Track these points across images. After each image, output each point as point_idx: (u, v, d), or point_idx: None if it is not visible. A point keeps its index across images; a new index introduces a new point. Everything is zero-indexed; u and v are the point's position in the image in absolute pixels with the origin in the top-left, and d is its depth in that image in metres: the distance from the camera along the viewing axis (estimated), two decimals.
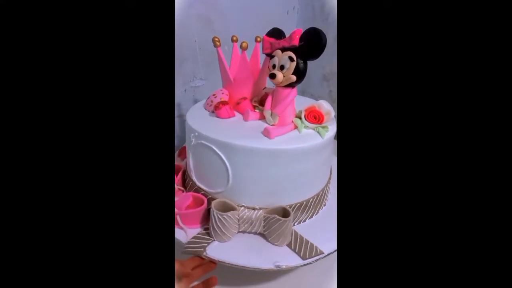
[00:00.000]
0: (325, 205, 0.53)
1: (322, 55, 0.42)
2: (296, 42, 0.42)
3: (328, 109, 0.48)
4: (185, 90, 0.77)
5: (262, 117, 0.49)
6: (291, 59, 0.43)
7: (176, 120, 0.78)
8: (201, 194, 0.48)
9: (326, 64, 0.82)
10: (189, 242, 0.43)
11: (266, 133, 0.43)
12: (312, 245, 0.43)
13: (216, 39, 0.53)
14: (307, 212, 0.48)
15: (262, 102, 0.52)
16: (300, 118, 0.47)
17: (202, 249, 0.42)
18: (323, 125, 0.47)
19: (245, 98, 0.51)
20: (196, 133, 0.45)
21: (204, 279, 0.43)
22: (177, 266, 0.39)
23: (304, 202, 0.47)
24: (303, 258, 0.42)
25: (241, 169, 0.43)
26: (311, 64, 0.44)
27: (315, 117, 0.47)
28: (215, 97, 0.52)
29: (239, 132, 0.45)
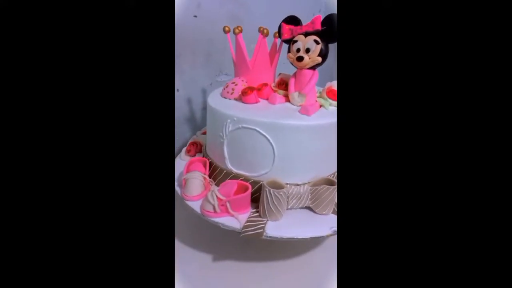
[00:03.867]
0: None
1: None
2: (319, 26, 0.47)
3: None
4: (210, 84, 0.83)
5: (287, 100, 0.52)
6: (316, 42, 0.46)
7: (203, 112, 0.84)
8: (241, 180, 0.48)
9: None
10: (245, 227, 0.43)
11: (305, 111, 0.46)
12: None
13: (227, 28, 0.54)
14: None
15: (279, 86, 0.55)
16: (322, 97, 0.52)
17: (261, 230, 0.43)
18: None
19: (266, 84, 0.53)
20: (235, 118, 0.45)
21: None
22: None
23: (333, 172, 0.52)
24: None
25: (286, 147, 0.45)
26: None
27: (334, 95, 0.52)
28: (236, 85, 0.53)
29: (275, 113, 0.47)
